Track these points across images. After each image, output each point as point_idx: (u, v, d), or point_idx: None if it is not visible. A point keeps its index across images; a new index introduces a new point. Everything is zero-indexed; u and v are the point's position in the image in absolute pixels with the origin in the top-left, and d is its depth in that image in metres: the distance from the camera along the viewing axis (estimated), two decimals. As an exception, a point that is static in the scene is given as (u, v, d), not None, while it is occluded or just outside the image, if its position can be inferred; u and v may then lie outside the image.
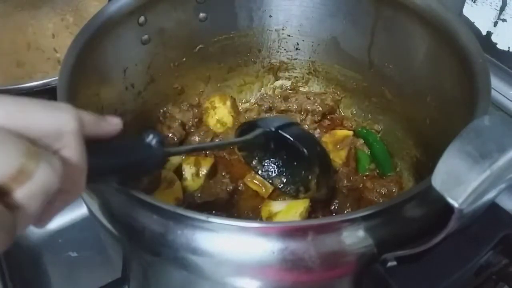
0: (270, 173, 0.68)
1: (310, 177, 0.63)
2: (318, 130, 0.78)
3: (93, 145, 0.34)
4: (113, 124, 0.38)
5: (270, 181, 0.68)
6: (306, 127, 0.77)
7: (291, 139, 0.60)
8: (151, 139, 0.41)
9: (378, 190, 0.67)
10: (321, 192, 0.63)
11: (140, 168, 0.42)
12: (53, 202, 0.30)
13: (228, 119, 0.78)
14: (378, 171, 0.71)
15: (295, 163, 0.65)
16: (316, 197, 0.63)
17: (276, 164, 0.68)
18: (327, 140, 0.74)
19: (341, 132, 0.75)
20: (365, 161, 0.72)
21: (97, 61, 0.58)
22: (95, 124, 0.36)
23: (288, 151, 0.64)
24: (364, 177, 0.70)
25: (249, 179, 0.70)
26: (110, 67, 0.62)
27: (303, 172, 0.64)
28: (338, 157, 0.71)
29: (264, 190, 0.69)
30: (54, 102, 0.30)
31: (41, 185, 0.26)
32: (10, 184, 0.25)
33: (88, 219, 0.64)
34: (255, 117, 0.79)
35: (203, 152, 0.73)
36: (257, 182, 0.69)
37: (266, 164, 0.68)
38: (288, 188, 0.66)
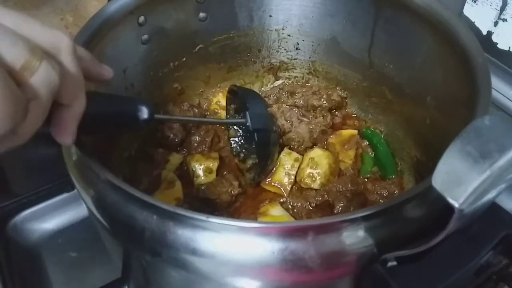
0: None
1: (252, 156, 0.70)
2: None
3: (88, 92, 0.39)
4: (106, 69, 0.45)
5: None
6: (317, 123, 0.75)
7: (257, 144, 0.65)
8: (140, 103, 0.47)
9: (379, 192, 0.67)
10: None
11: (131, 120, 0.46)
12: (63, 115, 0.37)
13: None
14: (380, 173, 0.71)
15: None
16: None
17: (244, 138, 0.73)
18: (334, 141, 0.73)
19: (346, 132, 0.75)
20: (369, 163, 0.71)
21: (97, 61, 0.58)
22: (91, 61, 0.42)
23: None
24: (366, 179, 0.70)
25: (266, 183, 0.70)
26: (110, 67, 0.62)
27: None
28: (347, 157, 0.71)
29: (282, 190, 0.69)
30: (51, 25, 0.35)
31: (44, 79, 0.32)
32: (19, 73, 0.30)
33: (88, 219, 0.64)
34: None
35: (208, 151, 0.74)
36: (276, 184, 0.70)
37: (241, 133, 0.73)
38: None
